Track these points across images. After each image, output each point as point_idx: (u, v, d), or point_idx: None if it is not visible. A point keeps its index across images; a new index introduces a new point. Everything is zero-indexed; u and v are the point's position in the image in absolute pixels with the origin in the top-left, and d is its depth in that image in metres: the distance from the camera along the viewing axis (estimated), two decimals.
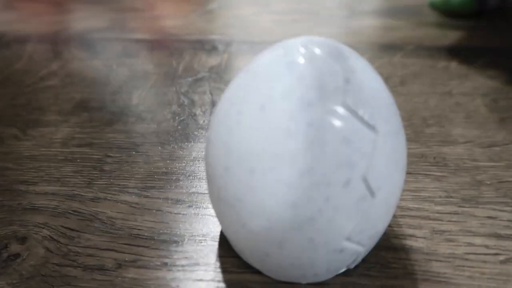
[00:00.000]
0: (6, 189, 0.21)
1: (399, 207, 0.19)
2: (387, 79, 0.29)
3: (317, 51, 0.13)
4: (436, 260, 0.17)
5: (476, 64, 0.31)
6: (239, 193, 0.13)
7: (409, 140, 0.23)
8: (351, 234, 0.13)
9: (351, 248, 0.14)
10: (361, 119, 0.12)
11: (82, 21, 0.40)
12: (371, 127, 0.12)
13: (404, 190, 0.20)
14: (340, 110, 0.12)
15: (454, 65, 0.31)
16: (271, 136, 0.12)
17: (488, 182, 0.20)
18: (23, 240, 0.18)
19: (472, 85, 0.28)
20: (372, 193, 0.13)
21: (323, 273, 0.15)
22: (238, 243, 0.15)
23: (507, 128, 0.24)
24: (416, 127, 0.24)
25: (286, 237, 0.13)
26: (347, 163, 0.12)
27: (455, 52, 0.32)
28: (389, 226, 0.18)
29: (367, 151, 0.12)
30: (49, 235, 0.18)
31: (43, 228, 0.18)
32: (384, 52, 0.33)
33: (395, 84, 0.29)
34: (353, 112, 0.12)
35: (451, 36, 0.35)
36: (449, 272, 0.16)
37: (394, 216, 0.19)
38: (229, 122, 0.13)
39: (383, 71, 0.30)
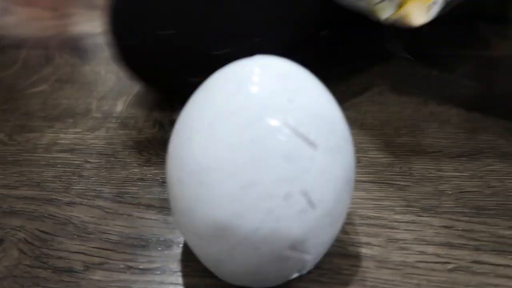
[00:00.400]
0: None
1: (358, 216, 0.20)
2: (366, 89, 0.30)
3: (266, 72, 0.14)
4: (387, 268, 0.17)
5: (456, 73, 0.32)
6: (191, 204, 0.14)
7: (379, 149, 0.24)
8: (295, 244, 0.14)
9: (296, 256, 0.15)
10: (301, 137, 0.13)
11: (76, 26, 0.41)
12: (311, 144, 0.13)
13: (366, 199, 0.21)
14: (282, 127, 0.13)
15: (434, 73, 0.32)
16: (218, 151, 0.13)
17: (450, 192, 0.21)
18: None
19: (449, 95, 0.29)
20: (312, 205, 0.13)
21: (273, 279, 0.16)
22: (194, 249, 0.16)
23: (476, 138, 0.25)
24: (387, 137, 0.25)
25: (234, 245, 0.14)
26: (287, 177, 0.13)
27: (437, 61, 0.33)
28: (347, 233, 0.19)
29: (307, 166, 0.13)
30: (24, 238, 0.19)
31: (19, 231, 0.19)
32: (367, 61, 0.34)
33: (374, 94, 0.29)
34: (293, 130, 0.13)
35: (436, 44, 0.36)
36: (398, 280, 0.17)
37: (353, 224, 0.19)
38: (183, 136, 0.14)
39: (363, 80, 0.31)
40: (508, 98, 0.28)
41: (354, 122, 0.26)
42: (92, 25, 0.41)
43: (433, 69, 0.32)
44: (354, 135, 0.25)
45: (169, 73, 0.26)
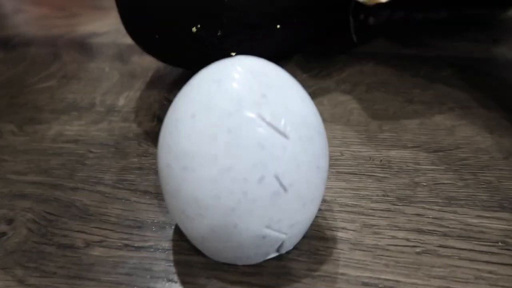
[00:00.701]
0: (1, 178, 0.24)
1: (337, 203, 0.21)
2: (354, 86, 0.31)
3: (243, 69, 0.16)
4: (360, 250, 0.19)
5: (443, 73, 0.33)
6: (177, 186, 0.16)
7: (361, 144, 0.26)
8: (270, 223, 0.16)
9: (273, 235, 0.16)
10: (273, 127, 0.15)
11: (83, 25, 0.43)
12: (283, 134, 0.15)
13: (345, 189, 0.22)
14: (256, 119, 0.15)
15: (422, 73, 0.33)
16: (199, 139, 0.15)
17: (424, 184, 0.23)
18: (10, 221, 0.21)
19: (434, 94, 0.30)
20: (284, 188, 0.15)
21: (253, 256, 0.18)
22: (182, 228, 0.18)
23: (454, 135, 0.26)
24: (370, 132, 0.27)
25: (215, 223, 0.16)
26: (260, 163, 0.15)
27: (425, 61, 0.34)
28: (325, 219, 0.21)
29: (279, 153, 0.15)
30: (32, 218, 0.21)
31: (28, 212, 0.21)
32: (357, 61, 0.35)
33: (361, 91, 0.31)
34: (266, 121, 0.15)
35: (426, 45, 0.37)
36: (369, 260, 0.19)
37: (331, 211, 0.21)
38: (170, 126, 0.16)
39: (352, 79, 0.32)
40: (489, 98, 0.30)
41: (340, 118, 0.28)
42: (97, 25, 0.43)
43: (421, 69, 0.33)
44: (339, 130, 0.27)
45: (174, 23, 0.26)
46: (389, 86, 0.31)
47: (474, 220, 0.20)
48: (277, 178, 0.15)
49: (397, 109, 0.29)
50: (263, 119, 0.15)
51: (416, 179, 0.23)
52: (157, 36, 0.27)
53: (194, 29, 0.26)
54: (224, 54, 0.28)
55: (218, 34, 0.27)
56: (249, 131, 0.14)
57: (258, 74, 0.15)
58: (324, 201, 0.22)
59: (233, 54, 0.29)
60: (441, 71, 0.33)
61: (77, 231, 0.20)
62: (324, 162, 0.17)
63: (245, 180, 0.15)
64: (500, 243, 0.19)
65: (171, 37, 0.27)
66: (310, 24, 0.33)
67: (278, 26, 0.30)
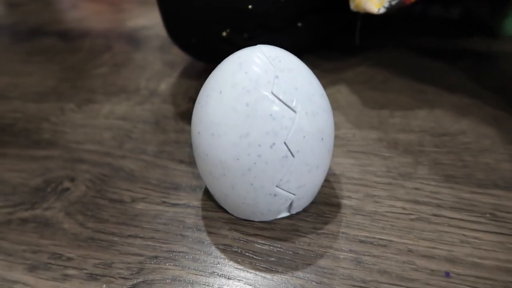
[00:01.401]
0: (64, 146, 0.29)
1: (345, 177, 0.25)
2: (371, 77, 0.34)
3: (261, 55, 0.19)
4: (360, 215, 0.22)
5: (458, 65, 0.35)
6: (206, 150, 0.20)
7: (372, 128, 0.28)
8: (280, 183, 0.19)
9: (282, 193, 0.20)
10: (283, 102, 0.18)
11: (131, 20, 0.48)
12: (291, 109, 0.18)
13: (354, 165, 0.25)
14: (269, 95, 0.18)
15: (437, 65, 0.35)
16: (223, 111, 0.18)
17: (426, 163, 0.25)
18: (72, 180, 0.26)
19: (446, 85, 0.32)
20: (292, 154, 0.19)
21: (267, 213, 0.21)
22: (210, 187, 0.21)
23: (461, 122, 0.28)
24: (381, 118, 0.29)
25: (235, 181, 0.19)
26: (272, 131, 0.18)
27: (441, 53, 0.36)
28: (333, 189, 0.24)
29: (288, 124, 0.18)
30: (89, 178, 0.26)
31: (86, 173, 0.26)
32: (376, 54, 0.37)
33: (378, 81, 0.33)
34: (277, 98, 0.18)
35: (444, 38, 0.39)
36: (367, 223, 0.22)
37: (339, 183, 0.24)
38: (202, 101, 0.20)
39: (370, 70, 0.35)
40: (499, 90, 0.31)
41: (355, 104, 0.31)
42: (143, 19, 0.47)
43: (436, 61, 0.35)
44: (353, 115, 0.30)
45: (204, 28, 0.31)
46: (404, 77, 0.34)
47: (467, 195, 0.23)
48: (286, 145, 0.18)
49: (409, 98, 0.31)
50: (275, 96, 0.18)
51: (419, 159, 0.25)
52: (193, 40, 0.32)
53: (224, 34, 0.31)
54: None
55: (244, 36, 0.32)
56: (263, 105, 0.18)
57: (273, 59, 0.19)
58: (333, 174, 0.25)
59: None
60: (456, 63, 0.35)
61: (125, 189, 0.25)
62: (328, 135, 0.20)
63: (259, 145, 0.18)
64: (488, 215, 0.21)
65: (205, 41, 0.32)
66: (328, 20, 0.36)
67: (299, 25, 0.34)
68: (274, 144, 0.18)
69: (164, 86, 0.35)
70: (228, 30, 0.31)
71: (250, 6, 0.30)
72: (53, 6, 0.57)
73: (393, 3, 0.30)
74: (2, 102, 0.35)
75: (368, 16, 0.37)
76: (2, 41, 0.47)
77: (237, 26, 0.31)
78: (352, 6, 0.31)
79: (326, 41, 0.39)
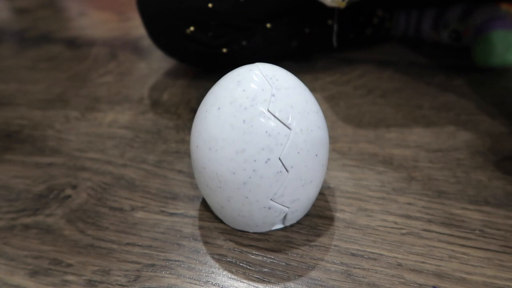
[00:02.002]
0: (67, 153, 0.30)
1: (339, 190, 0.25)
2: (370, 91, 0.35)
3: (259, 74, 0.20)
4: (353, 228, 0.23)
5: (456, 82, 0.35)
6: (203, 163, 0.20)
7: (369, 142, 0.29)
8: (274, 197, 0.20)
9: (277, 207, 0.20)
10: (279, 120, 0.19)
11: (136, 28, 0.49)
12: (286, 126, 0.19)
13: (348, 179, 0.26)
14: (265, 113, 0.19)
15: (436, 81, 0.36)
16: (221, 127, 0.19)
17: (420, 178, 0.26)
18: (74, 187, 0.26)
19: (444, 101, 0.33)
20: (286, 169, 0.19)
21: (261, 225, 0.22)
22: (207, 198, 0.22)
23: (456, 138, 0.29)
24: (378, 133, 0.30)
25: (230, 194, 0.20)
26: (267, 147, 0.19)
27: (440, 70, 0.37)
28: (327, 202, 0.24)
29: (283, 141, 0.19)
30: (91, 186, 0.26)
31: (88, 181, 0.27)
32: (376, 68, 0.38)
33: (376, 96, 0.34)
34: (273, 115, 0.19)
35: (443, 54, 0.39)
36: (359, 236, 0.22)
37: (333, 196, 0.25)
38: (201, 116, 0.20)
39: (369, 84, 0.36)
40: (495, 106, 0.32)
41: (353, 119, 0.31)
42: None
43: (435, 77, 0.36)
44: (351, 129, 0.30)
45: (170, 25, 0.33)
46: (403, 92, 0.34)
47: (458, 211, 0.23)
48: (280, 160, 0.19)
49: (406, 113, 0.32)
50: (271, 113, 0.19)
51: (413, 174, 0.26)
52: (162, 37, 0.35)
53: (188, 31, 0.33)
54: (216, 51, 0.34)
55: (209, 35, 0.33)
56: (259, 122, 0.19)
57: (270, 78, 0.19)
58: (327, 187, 0.25)
59: (224, 50, 0.34)
60: (454, 80, 0.35)
61: (125, 198, 0.25)
62: (322, 151, 0.21)
63: (255, 160, 0.19)
64: (477, 231, 0.22)
65: (172, 38, 0.34)
66: (301, 23, 0.37)
67: (268, 26, 0.35)
68: (269, 159, 0.19)
69: (167, 95, 0.36)
70: (192, 28, 0.33)
71: (210, 5, 0.32)
72: (61, 13, 0.58)
73: None
74: (9, 109, 0.36)
75: (344, 20, 0.38)
76: (11, 47, 0.48)
77: (201, 24, 0.33)
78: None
79: (308, 45, 0.39)
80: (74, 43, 0.47)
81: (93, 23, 0.51)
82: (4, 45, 0.48)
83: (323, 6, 0.35)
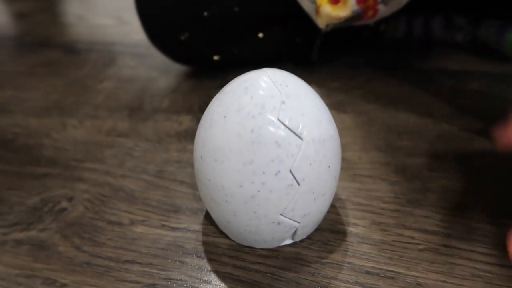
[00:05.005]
0: (64, 164, 0.28)
1: (351, 202, 0.24)
2: (379, 97, 0.33)
3: (267, 80, 0.18)
4: (367, 243, 0.21)
5: (468, 87, 0.34)
6: (208, 175, 0.19)
7: (380, 150, 0.28)
8: (284, 211, 0.18)
9: (286, 222, 0.19)
10: (290, 129, 0.17)
11: (136, 33, 0.48)
12: (297, 136, 0.18)
13: (360, 189, 0.25)
14: (275, 121, 0.17)
15: (447, 87, 0.34)
16: (228, 136, 0.18)
17: (435, 189, 0.24)
18: (70, 199, 0.25)
19: (456, 107, 0.32)
20: (298, 182, 0.18)
21: (270, 241, 0.20)
22: (211, 212, 0.21)
23: (473, 146, 0.27)
24: (389, 141, 0.28)
25: (237, 209, 0.19)
26: (277, 159, 0.17)
27: (452, 76, 0.36)
28: (338, 215, 0.23)
29: (294, 152, 0.17)
30: (88, 198, 0.25)
31: (85, 192, 0.25)
32: (384, 74, 0.37)
33: (386, 102, 0.33)
34: (284, 124, 0.17)
35: (454, 60, 0.38)
36: (374, 253, 0.21)
37: (345, 208, 0.23)
38: (206, 125, 0.19)
39: (378, 90, 0.34)
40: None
41: (363, 126, 0.30)
42: None
43: (446, 83, 0.35)
44: (360, 137, 0.29)
45: (165, 30, 0.34)
46: (413, 98, 0.33)
47: (479, 225, 0.22)
48: (291, 172, 0.18)
49: (417, 120, 0.30)
50: (281, 122, 0.17)
51: (428, 185, 0.25)
52: (158, 41, 0.36)
53: (182, 38, 0.34)
54: (209, 58, 0.35)
55: (203, 42, 0.34)
56: (268, 132, 0.17)
57: (279, 84, 0.18)
58: (338, 199, 0.24)
59: (216, 58, 0.35)
60: (467, 85, 0.34)
61: (124, 211, 0.24)
62: (335, 163, 0.19)
63: (263, 173, 0.17)
64: (501, 247, 0.21)
65: (166, 43, 0.35)
66: (293, 33, 0.36)
67: (260, 35, 0.35)
68: (279, 172, 0.17)
69: (168, 102, 0.35)
70: (186, 35, 0.33)
71: (205, 13, 0.32)
72: (60, 18, 0.57)
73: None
74: (4, 116, 0.34)
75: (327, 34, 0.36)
76: (8, 52, 0.47)
77: (195, 32, 0.34)
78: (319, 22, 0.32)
79: (294, 50, 0.38)
80: (72, 49, 0.46)
81: (92, 27, 0.50)
82: (1, 50, 0.47)
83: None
